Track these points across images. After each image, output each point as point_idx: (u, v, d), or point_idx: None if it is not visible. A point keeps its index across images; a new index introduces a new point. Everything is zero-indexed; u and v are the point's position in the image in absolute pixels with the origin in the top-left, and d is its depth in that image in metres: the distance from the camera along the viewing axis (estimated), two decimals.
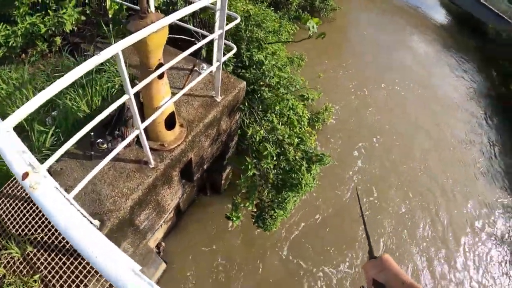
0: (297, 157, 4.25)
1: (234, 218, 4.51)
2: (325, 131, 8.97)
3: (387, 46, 14.20)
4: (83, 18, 4.68)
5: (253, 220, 4.93)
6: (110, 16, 4.70)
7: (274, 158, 4.22)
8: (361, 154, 9.02)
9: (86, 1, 4.88)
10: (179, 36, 4.97)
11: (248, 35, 6.37)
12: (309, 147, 4.60)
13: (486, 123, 12.14)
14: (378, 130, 9.91)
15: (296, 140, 4.50)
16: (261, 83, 5.52)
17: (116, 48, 2.12)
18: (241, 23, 6.45)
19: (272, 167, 4.22)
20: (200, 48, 4.46)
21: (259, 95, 5.37)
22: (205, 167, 4.80)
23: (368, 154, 9.05)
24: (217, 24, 3.53)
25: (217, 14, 3.47)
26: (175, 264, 5.70)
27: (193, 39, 5.58)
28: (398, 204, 8.19)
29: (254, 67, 5.90)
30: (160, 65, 2.96)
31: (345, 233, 6.98)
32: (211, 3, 3.09)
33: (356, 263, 6.62)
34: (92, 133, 3.37)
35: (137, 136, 3.17)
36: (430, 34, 16.48)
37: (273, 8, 8.30)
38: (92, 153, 3.44)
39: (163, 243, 5.80)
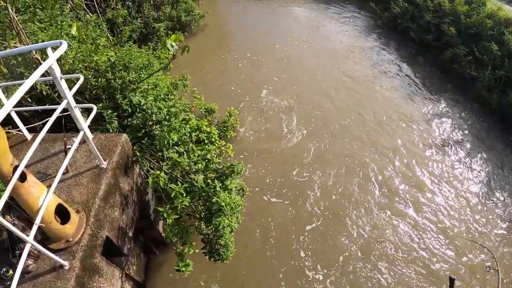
0: (209, 181, 4.03)
1: (184, 269, 4.19)
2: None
3: (270, 24, 14.56)
4: None
5: (207, 257, 4.65)
6: None
7: (185, 195, 3.96)
8: (269, 91, 10.31)
9: None
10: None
11: (119, 82, 6.03)
12: (218, 162, 4.40)
13: (386, 51, 12.82)
14: (277, 74, 11.15)
15: (203, 163, 4.28)
16: (150, 123, 5.22)
17: None
18: (107, 73, 6.11)
19: (188, 204, 3.96)
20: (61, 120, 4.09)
21: (152, 136, 5.07)
22: (130, 234, 4.42)
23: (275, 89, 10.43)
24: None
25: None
26: None
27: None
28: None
29: (138, 110, 5.58)
30: (16, 168, 2.59)
31: None
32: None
33: None
34: None
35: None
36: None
37: (139, 44, 8.02)
38: (8, 283, 3.03)
39: None
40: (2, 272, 3.04)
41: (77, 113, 3.46)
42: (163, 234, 5.59)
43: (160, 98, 5.96)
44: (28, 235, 2.62)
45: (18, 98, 2.40)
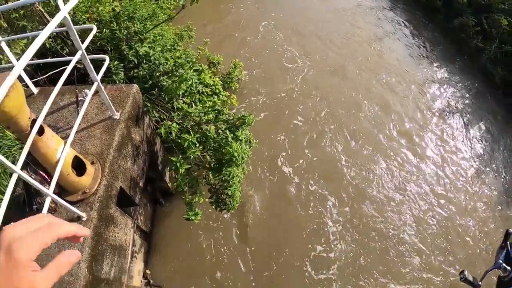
0: (220, 131, 4.06)
1: (193, 218, 4.32)
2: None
3: None
4: None
5: (214, 206, 4.77)
6: None
7: (197, 145, 4.00)
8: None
9: None
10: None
11: (124, 33, 5.88)
12: (228, 114, 4.41)
13: (393, 12, 12.43)
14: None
15: (213, 114, 4.29)
16: (157, 74, 5.15)
17: None
18: (112, 24, 5.93)
19: (199, 153, 4.01)
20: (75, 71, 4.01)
21: (160, 87, 5.02)
22: (141, 184, 4.49)
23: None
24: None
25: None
26: (169, 284, 5.54)
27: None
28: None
29: (144, 61, 5.48)
30: (34, 122, 2.57)
31: None
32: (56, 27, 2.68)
33: None
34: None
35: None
36: None
37: None
38: None
39: (148, 271, 5.56)
40: None
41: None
42: (169, 184, 5.70)
43: (167, 49, 5.85)
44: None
45: (34, 52, 2.30)
